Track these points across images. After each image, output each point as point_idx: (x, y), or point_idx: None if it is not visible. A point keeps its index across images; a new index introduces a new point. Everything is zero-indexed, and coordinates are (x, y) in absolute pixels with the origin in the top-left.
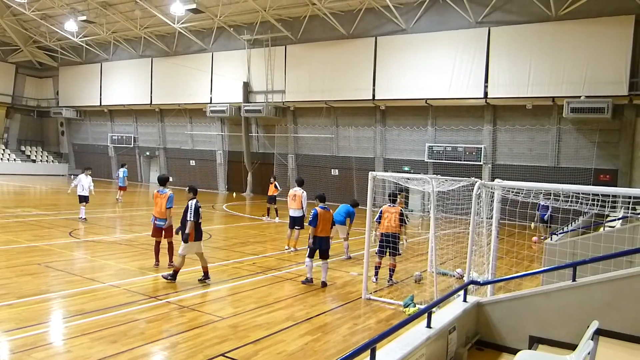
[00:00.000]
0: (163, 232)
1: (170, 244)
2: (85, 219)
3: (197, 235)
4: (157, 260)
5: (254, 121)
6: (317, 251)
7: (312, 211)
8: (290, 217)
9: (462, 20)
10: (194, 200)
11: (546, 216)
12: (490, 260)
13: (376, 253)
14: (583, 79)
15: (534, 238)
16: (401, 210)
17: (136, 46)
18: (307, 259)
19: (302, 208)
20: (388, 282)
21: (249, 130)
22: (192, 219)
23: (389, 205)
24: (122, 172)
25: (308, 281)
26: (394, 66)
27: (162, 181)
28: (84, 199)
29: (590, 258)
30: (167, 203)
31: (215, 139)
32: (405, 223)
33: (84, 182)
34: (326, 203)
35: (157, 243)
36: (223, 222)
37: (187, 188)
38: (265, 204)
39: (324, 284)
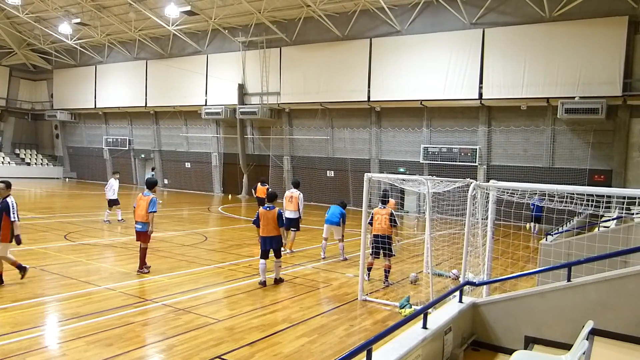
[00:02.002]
0: (140, 235)
1: (144, 250)
2: (123, 220)
3: (11, 236)
4: (146, 263)
5: (249, 123)
6: (273, 251)
7: (257, 212)
8: (286, 218)
9: (456, 21)
10: (12, 197)
11: (540, 215)
12: (486, 261)
13: (370, 254)
14: (577, 80)
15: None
16: (391, 211)
17: (131, 48)
18: (261, 261)
19: (299, 210)
20: (384, 283)
21: (244, 132)
22: (16, 219)
23: (380, 207)
24: (150, 175)
25: (261, 283)
26: (388, 67)
27: (151, 185)
28: (114, 202)
29: (585, 258)
30: (149, 207)
31: (210, 141)
32: (396, 224)
33: (115, 187)
34: (316, 204)
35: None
36: (219, 224)
37: (4, 184)
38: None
39: (276, 281)
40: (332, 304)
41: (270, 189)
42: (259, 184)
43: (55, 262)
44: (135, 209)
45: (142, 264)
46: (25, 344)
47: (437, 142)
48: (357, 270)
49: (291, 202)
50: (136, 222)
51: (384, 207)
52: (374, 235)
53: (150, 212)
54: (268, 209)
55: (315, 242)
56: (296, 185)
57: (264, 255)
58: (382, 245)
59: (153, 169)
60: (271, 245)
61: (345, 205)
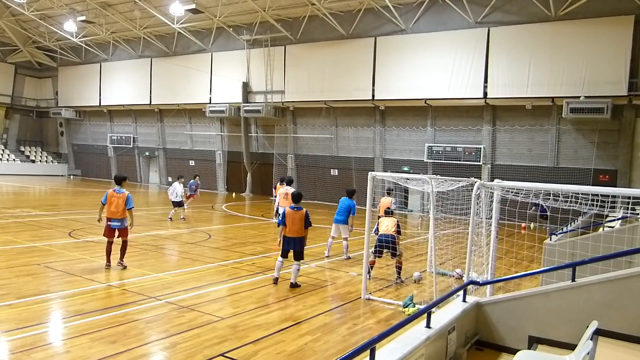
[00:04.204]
0: (117, 232)
1: (125, 242)
2: (184, 218)
3: None
4: (109, 261)
5: (254, 121)
6: (292, 252)
7: (282, 210)
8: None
9: (461, 20)
10: None
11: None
12: (490, 260)
13: (372, 253)
14: (582, 79)
15: (523, 224)
16: (397, 222)
17: (135, 46)
18: (279, 258)
19: None
20: (397, 279)
21: (249, 130)
22: None
23: (385, 198)
24: (191, 182)
25: (274, 280)
26: (393, 66)
27: (119, 180)
28: (178, 204)
29: (589, 258)
30: (127, 204)
31: (214, 139)
32: (400, 234)
33: (178, 190)
34: (320, 203)
35: (109, 243)
36: (222, 223)
37: None
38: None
39: (292, 285)
40: (335, 303)
41: (295, 190)
42: (279, 182)
43: (59, 259)
44: (106, 206)
45: (123, 256)
46: (30, 340)
47: (441, 141)
48: (360, 269)
49: (286, 199)
50: (111, 220)
51: (388, 198)
52: (379, 235)
53: (129, 208)
54: (295, 209)
55: (319, 240)
56: (289, 183)
57: (284, 255)
58: (386, 245)
59: (196, 177)
60: (294, 247)
61: (353, 192)
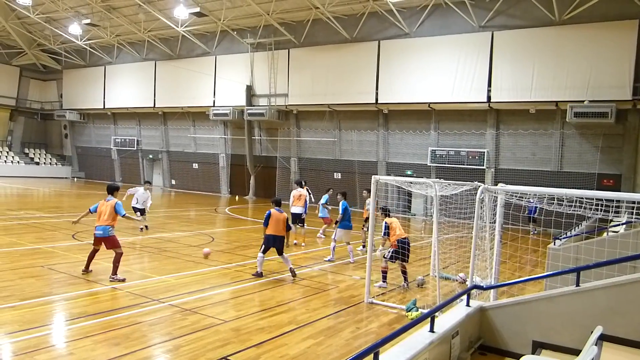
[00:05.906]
0: (103, 241)
1: (118, 255)
2: (146, 227)
3: None
4: (87, 267)
5: (257, 124)
6: (276, 250)
7: (267, 212)
8: (293, 213)
9: (465, 24)
10: None
11: (535, 213)
12: (494, 264)
13: (386, 258)
14: (586, 84)
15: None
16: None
17: (140, 49)
18: (259, 254)
19: (305, 206)
20: (404, 284)
21: (252, 133)
22: None
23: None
24: (324, 198)
25: (258, 274)
26: (397, 70)
27: (110, 190)
28: (137, 210)
29: (594, 263)
30: (118, 210)
31: (218, 142)
32: None
33: (139, 195)
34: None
35: (94, 250)
36: (225, 226)
37: None
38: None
39: (291, 271)
40: (338, 306)
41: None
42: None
43: (63, 261)
44: (97, 214)
45: (116, 269)
46: (33, 342)
47: (444, 145)
48: (363, 272)
49: (299, 199)
50: (96, 227)
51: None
52: (400, 240)
53: (123, 216)
54: (279, 211)
55: (321, 244)
56: (301, 185)
57: (266, 251)
58: (408, 247)
59: (328, 190)
60: (274, 244)
61: (344, 194)
